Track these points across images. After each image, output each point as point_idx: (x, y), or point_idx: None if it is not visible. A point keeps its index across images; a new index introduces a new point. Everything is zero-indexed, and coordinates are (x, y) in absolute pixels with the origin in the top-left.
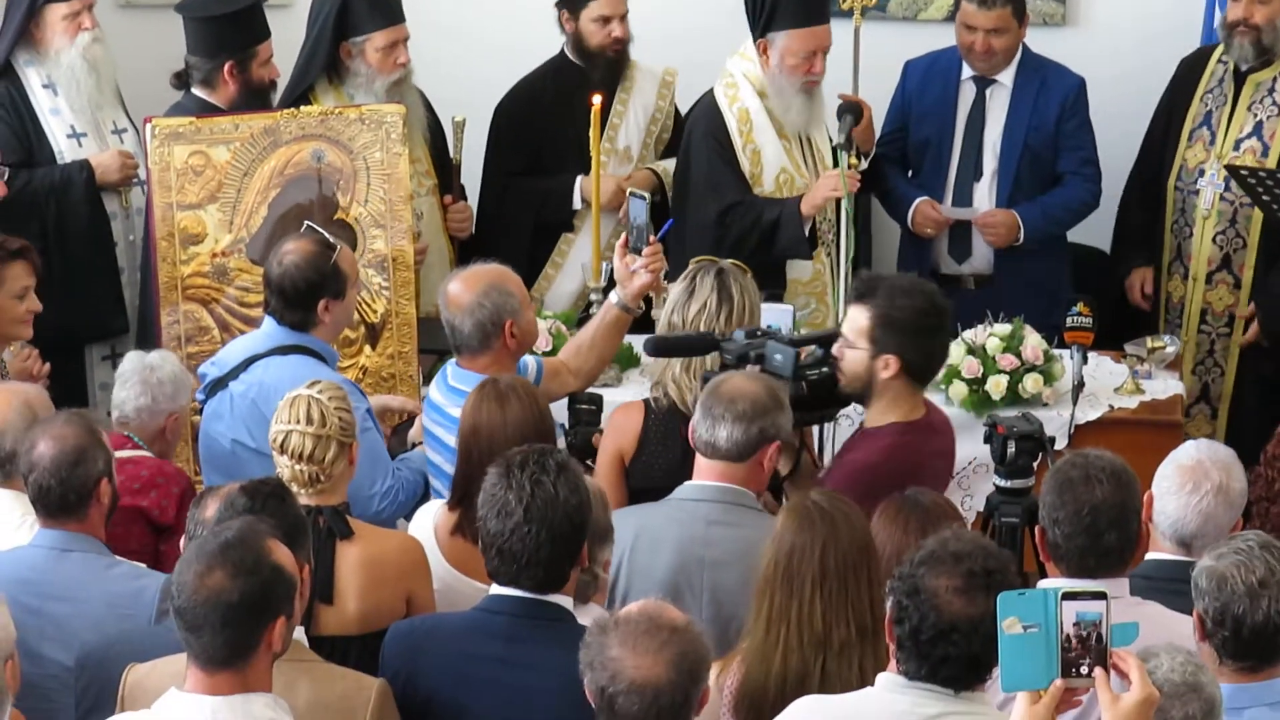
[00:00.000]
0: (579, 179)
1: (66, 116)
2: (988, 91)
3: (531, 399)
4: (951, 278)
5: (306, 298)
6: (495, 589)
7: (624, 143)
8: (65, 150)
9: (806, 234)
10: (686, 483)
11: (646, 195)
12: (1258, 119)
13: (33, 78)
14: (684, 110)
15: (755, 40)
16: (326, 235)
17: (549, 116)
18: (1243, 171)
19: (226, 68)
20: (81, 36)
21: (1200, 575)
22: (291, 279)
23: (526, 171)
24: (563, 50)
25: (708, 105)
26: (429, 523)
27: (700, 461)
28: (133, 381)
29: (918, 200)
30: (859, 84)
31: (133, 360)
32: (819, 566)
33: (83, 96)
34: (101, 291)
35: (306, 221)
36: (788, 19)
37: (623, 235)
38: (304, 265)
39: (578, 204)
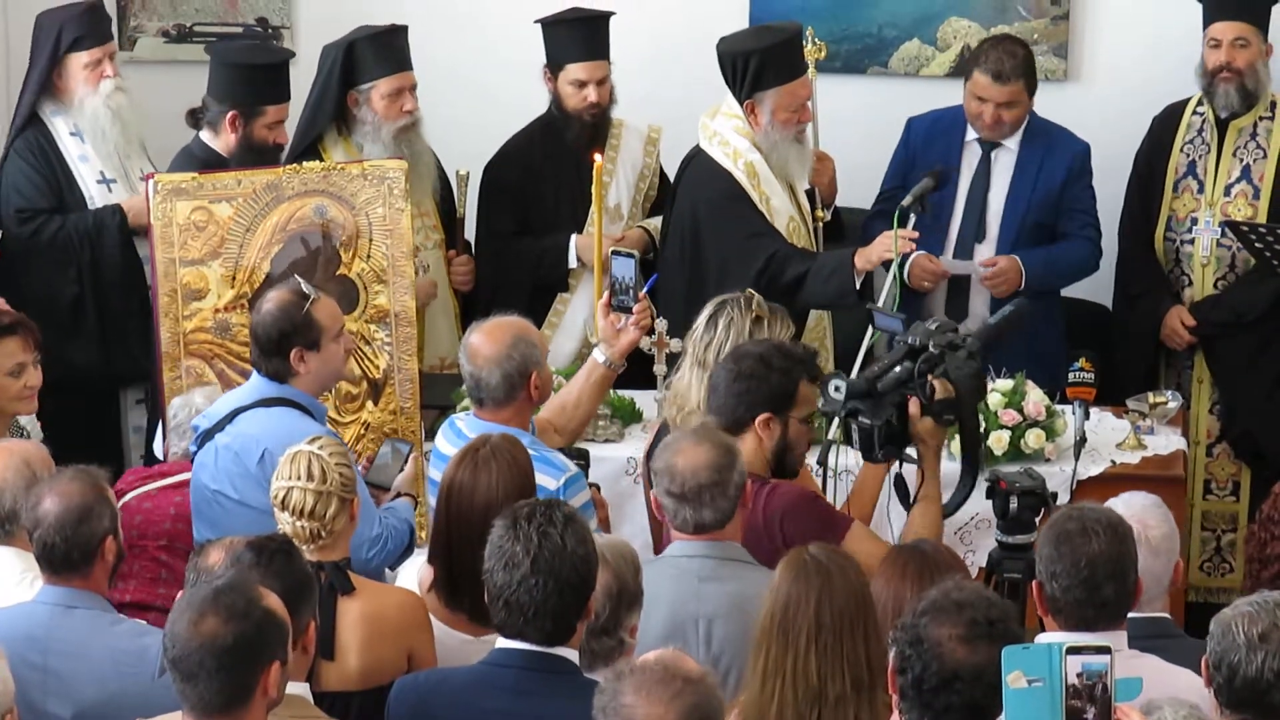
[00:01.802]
0: (573, 238)
1: (95, 163)
2: (993, 155)
3: (513, 465)
4: None
5: (278, 346)
6: (501, 642)
7: (614, 200)
8: (96, 196)
9: (857, 286)
10: (676, 542)
11: (635, 253)
12: (1244, 163)
13: (60, 126)
14: (667, 166)
15: (742, 102)
16: (304, 285)
17: (538, 175)
18: (1243, 228)
19: (229, 116)
20: (104, 84)
21: (1213, 622)
22: (264, 327)
23: (518, 231)
24: (550, 106)
25: (708, 167)
26: (413, 577)
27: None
28: (184, 430)
29: (915, 254)
30: (819, 135)
31: (178, 408)
32: (814, 620)
33: (109, 144)
34: (135, 334)
35: (295, 274)
36: (775, 77)
37: (605, 294)
38: (276, 313)
39: (573, 263)
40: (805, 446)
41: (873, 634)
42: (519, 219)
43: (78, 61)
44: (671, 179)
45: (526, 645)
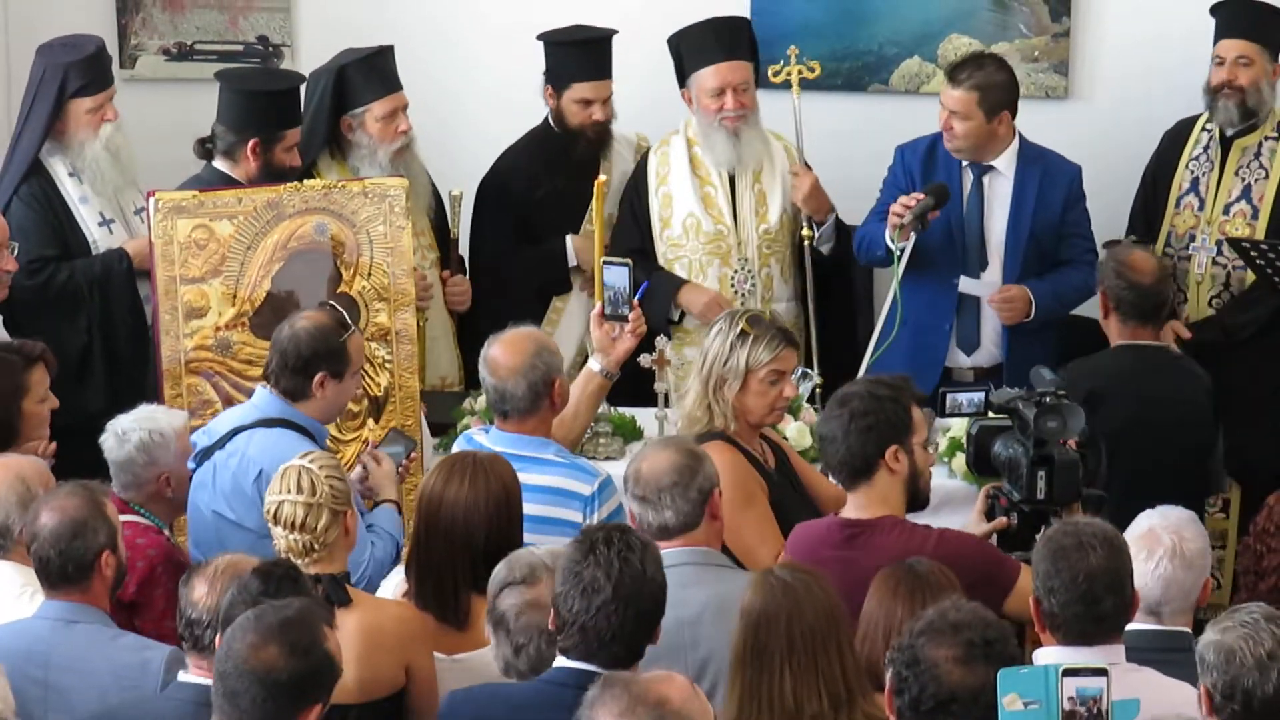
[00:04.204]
0: (569, 238)
1: (95, 204)
2: (985, 179)
3: (490, 481)
4: (948, 370)
5: (306, 366)
6: (560, 661)
7: (609, 212)
8: (99, 238)
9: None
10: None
11: (628, 262)
12: (1245, 183)
13: (58, 167)
14: None
15: (681, 90)
16: (346, 316)
17: (537, 187)
18: (1244, 244)
19: (250, 144)
20: (105, 128)
21: (1207, 649)
22: (296, 344)
23: (517, 243)
24: (546, 120)
25: (643, 157)
26: (389, 590)
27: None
28: (111, 457)
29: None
30: (803, 151)
31: (109, 432)
32: (785, 640)
33: (108, 186)
34: (141, 378)
35: (330, 301)
36: (695, 61)
37: (597, 305)
38: (314, 333)
39: (573, 261)
40: (929, 473)
41: (847, 649)
42: (519, 230)
43: (81, 106)
44: None
45: (588, 666)
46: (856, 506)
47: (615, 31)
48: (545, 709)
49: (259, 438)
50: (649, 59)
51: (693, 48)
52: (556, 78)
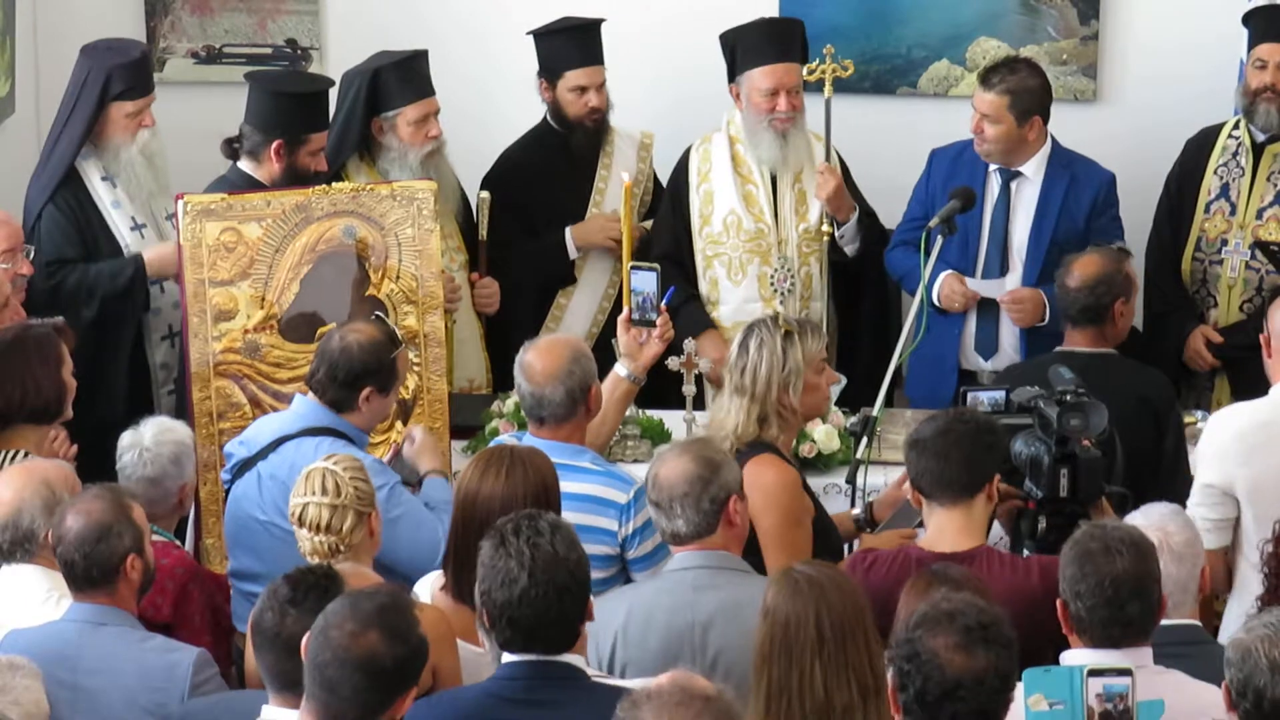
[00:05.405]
0: (568, 229)
1: (127, 208)
2: (1013, 185)
3: (527, 474)
4: (969, 373)
5: (356, 379)
6: (508, 656)
7: (610, 208)
8: (131, 243)
9: (572, 257)
10: (675, 554)
11: (656, 267)
12: (1278, 188)
13: (91, 171)
14: (662, 173)
15: (729, 85)
16: (396, 331)
17: (535, 184)
18: (1274, 248)
19: (274, 145)
20: (142, 134)
21: (1229, 647)
22: (347, 357)
23: (518, 239)
24: (545, 118)
25: (685, 153)
26: (426, 587)
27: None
28: (134, 475)
29: (944, 273)
30: (830, 151)
31: (127, 445)
32: (816, 633)
33: (142, 190)
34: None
35: (377, 314)
36: (749, 59)
37: (625, 310)
38: (365, 347)
39: (574, 253)
40: None
41: (874, 640)
42: (521, 226)
43: (120, 110)
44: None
45: (529, 656)
46: (946, 537)
47: (603, 20)
48: (498, 704)
49: (308, 448)
50: (678, 58)
51: (748, 46)
52: (549, 70)
